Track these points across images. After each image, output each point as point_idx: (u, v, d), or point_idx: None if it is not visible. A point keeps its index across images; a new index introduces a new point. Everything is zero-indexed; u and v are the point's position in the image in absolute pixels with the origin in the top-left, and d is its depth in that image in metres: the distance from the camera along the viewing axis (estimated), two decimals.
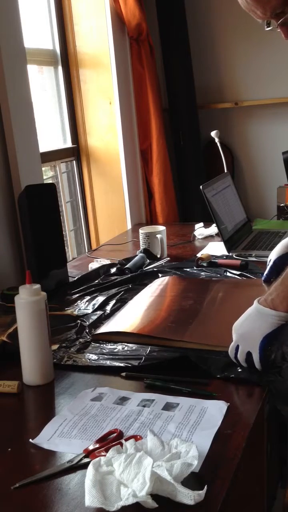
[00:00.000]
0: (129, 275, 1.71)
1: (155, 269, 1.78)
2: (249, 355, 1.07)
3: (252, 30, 2.67)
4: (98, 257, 1.98)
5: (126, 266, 1.78)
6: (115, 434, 0.90)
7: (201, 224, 2.27)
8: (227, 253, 1.87)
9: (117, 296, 1.55)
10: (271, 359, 1.08)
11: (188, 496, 0.73)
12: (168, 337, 1.23)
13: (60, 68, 2.39)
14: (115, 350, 1.22)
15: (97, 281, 1.71)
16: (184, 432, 0.91)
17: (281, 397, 1.03)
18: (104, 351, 1.22)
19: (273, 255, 1.53)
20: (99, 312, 1.45)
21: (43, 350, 1.10)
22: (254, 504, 1.23)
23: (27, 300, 1.08)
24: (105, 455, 0.81)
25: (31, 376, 1.11)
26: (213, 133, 2.37)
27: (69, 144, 2.47)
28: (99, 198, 2.56)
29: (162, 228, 1.96)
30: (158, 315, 1.38)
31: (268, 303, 1.06)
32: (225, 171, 2.35)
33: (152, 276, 1.71)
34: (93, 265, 1.84)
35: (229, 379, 1.07)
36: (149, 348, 1.21)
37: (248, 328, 1.07)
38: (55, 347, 1.25)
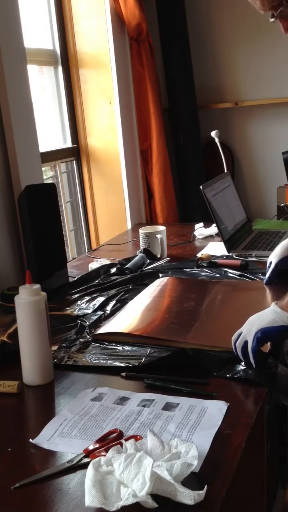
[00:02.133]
0: (129, 275, 1.71)
1: (155, 269, 1.78)
2: (246, 344, 1.09)
3: (252, 30, 2.68)
4: (98, 257, 1.98)
5: (126, 266, 1.77)
6: (115, 434, 0.90)
7: (201, 224, 2.27)
8: (227, 253, 1.87)
9: (117, 297, 1.55)
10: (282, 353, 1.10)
11: (188, 496, 0.73)
12: (171, 339, 1.23)
13: (60, 68, 2.39)
14: (115, 350, 1.22)
15: (97, 281, 1.70)
16: (184, 432, 0.91)
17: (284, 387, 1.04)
18: (104, 351, 1.22)
19: (273, 258, 1.53)
20: (99, 313, 1.45)
21: (43, 350, 1.10)
22: (254, 504, 1.23)
23: (27, 300, 1.08)
24: (105, 455, 0.81)
25: (31, 376, 1.11)
26: (213, 133, 2.37)
27: (69, 144, 2.47)
28: (99, 198, 2.56)
29: (162, 228, 1.96)
30: (159, 316, 1.38)
31: (281, 303, 1.11)
32: (225, 171, 2.35)
33: (152, 276, 1.71)
34: (93, 265, 1.84)
35: (228, 379, 1.07)
36: (149, 348, 1.21)
37: (255, 318, 1.11)
38: (55, 347, 1.25)
